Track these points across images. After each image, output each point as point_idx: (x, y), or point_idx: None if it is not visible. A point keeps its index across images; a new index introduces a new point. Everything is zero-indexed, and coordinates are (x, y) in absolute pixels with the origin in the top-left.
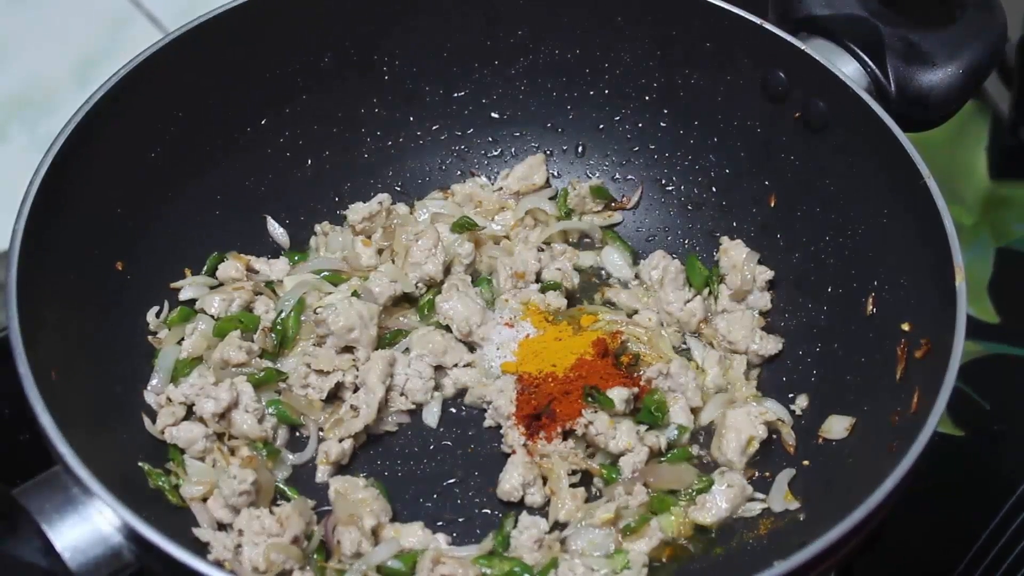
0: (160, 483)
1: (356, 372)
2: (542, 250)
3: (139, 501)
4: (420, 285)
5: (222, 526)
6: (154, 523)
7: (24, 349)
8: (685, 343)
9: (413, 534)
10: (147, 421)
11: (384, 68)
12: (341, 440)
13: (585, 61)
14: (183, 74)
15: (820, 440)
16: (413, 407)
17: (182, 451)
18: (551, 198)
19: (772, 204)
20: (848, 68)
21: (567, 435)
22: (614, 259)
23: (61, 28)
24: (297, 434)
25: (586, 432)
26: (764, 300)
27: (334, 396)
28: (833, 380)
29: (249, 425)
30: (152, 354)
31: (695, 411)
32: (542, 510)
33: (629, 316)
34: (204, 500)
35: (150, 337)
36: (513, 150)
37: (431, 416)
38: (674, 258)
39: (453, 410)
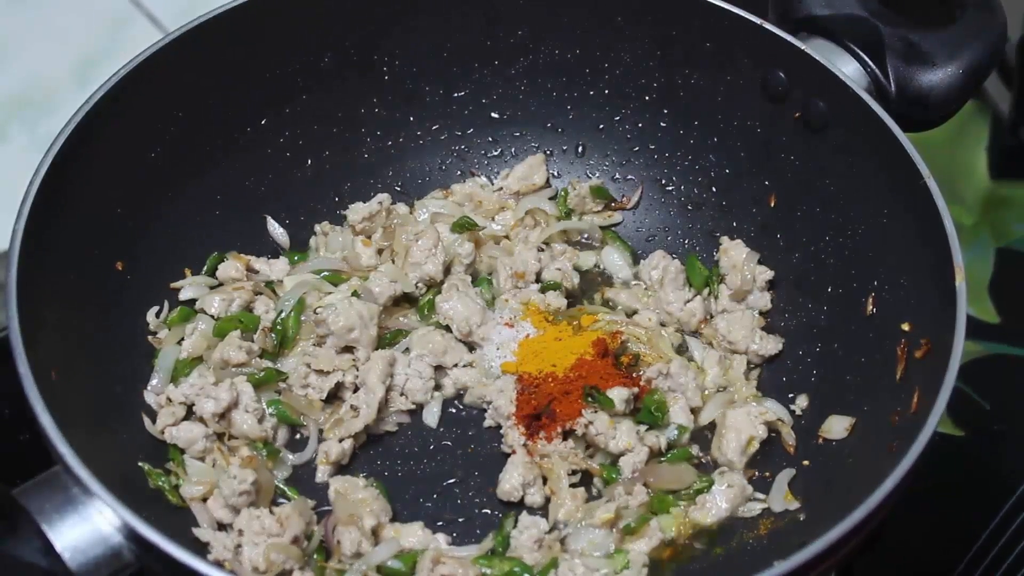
0: (160, 483)
1: (356, 372)
2: (542, 250)
3: (139, 501)
4: (420, 285)
5: (222, 526)
6: (154, 523)
7: (24, 349)
8: (685, 343)
9: (413, 534)
10: (147, 421)
11: (384, 68)
12: (341, 440)
13: (585, 61)
14: (183, 74)
15: (820, 440)
16: (413, 407)
17: (182, 451)
18: (551, 198)
19: (772, 204)
20: (848, 68)
21: (567, 435)
22: (614, 259)
23: (61, 28)
24: (297, 434)
25: (586, 432)
26: (764, 300)
27: (334, 396)
28: (833, 380)
29: (249, 425)
30: (152, 354)
31: (695, 411)
32: (542, 510)
33: (629, 316)
34: (204, 500)
35: (150, 337)
36: (513, 150)
37: (431, 416)
38: (674, 258)
39: (453, 410)
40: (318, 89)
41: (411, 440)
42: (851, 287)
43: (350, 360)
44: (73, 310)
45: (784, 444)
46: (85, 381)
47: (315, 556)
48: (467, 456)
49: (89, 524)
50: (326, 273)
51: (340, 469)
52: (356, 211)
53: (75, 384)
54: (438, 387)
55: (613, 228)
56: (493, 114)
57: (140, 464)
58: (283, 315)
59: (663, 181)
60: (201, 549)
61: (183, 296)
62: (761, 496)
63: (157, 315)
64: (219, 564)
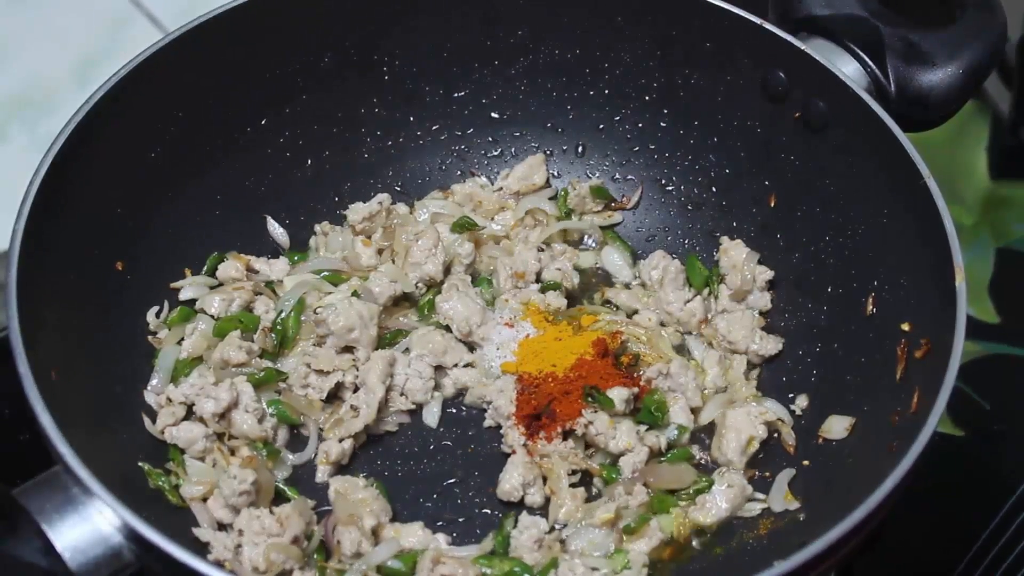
0: (160, 483)
1: (356, 372)
2: (542, 250)
3: (139, 501)
4: (420, 285)
5: (222, 526)
6: (154, 523)
7: (24, 349)
8: (685, 343)
9: (413, 534)
10: (147, 421)
11: (384, 68)
12: (341, 440)
13: (585, 61)
14: (183, 74)
15: (820, 440)
16: (413, 407)
17: (182, 451)
18: (551, 198)
19: (772, 204)
20: (848, 68)
21: (567, 435)
22: (614, 259)
23: (61, 28)
24: (297, 434)
25: (586, 432)
26: (764, 300)
27: (334, 396)
28: (833, 380)
29: (249, 425)
30: (152, 354)
31: (695, 411)
32: (542, 510)
33: (629, 316)
34: (204, 500)
35: (150, 337)
36: (513, 150)
37: (431, 416)
38: (674, 258)
39: (453, 410)
40: (318, 89)
41: (411, 440)
42: (851, 287)
43: (350, 360)
44: (73, 310)
45: (784, 444)
46: (85, 381)
47: (315, 556)
48: (467, 456)
49: (89, 524)
50: (326, 273)
51: (340, 469)
52: (356, 211)
53: (75, 384)
54: (438, 387)
55: (613, 228)
56: (493, 114)
57: (140, 464)
58: (283, 315)
59: (663, 181)
60: (201, 549)
61: (183, 296)
62: (761, 496)
63: (157, 315)
64: (219, 564)
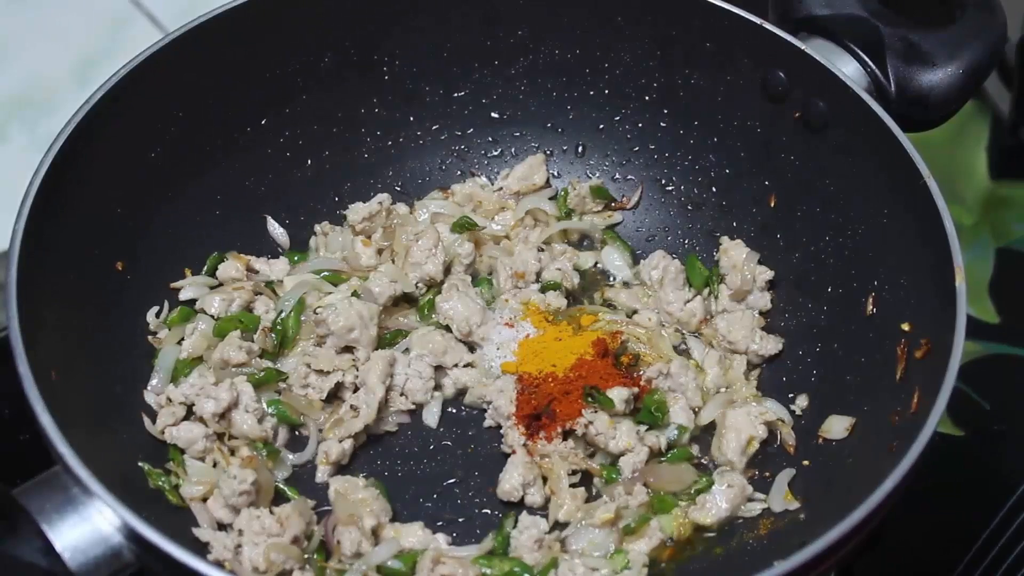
0: (160, 483)
1: (356, 372)
2: (542, 250)
3: (139, 501)
4: (420, 285)
5: (222, 526)
6: (154, 523)
7: (24, 349)
8: (685, 343)
9: (413, 534)
10: (147, 421)
11: (384, 68)
12: (341, 440)
13: (585, 61)
14: (183, 74)
15: (820, 440)
16: (413, 407)
17: (182, 451)
18: (551, 198)
19: (772, 204)
20: (848, 68)
21: (567, 435)
22: (614, 259)
23: (61, 28)
24: (297, 434)
25: (586, 432)
26: (764, 300)
27: (334, 396)
28: (833, 380)
29: (249, 425)
30: (152, 354)
31: (695, 411)
32: (542, 510)
33: (629, 316)
34: (204, 500)
35: (150, 337)
36: (513, 150)
37: (431, 416)
38: (674, 258)
39: (453, 410)
40: (318, 89)
41: (411, 440)
42: (851, 287)
43: (350, 360)
44: (73, 310)
45: (784, 444)
46: (85, 381)
47: (315, 556)
48: (467, 456)
49: (89, 524)
50: (326, 273)
51: (340, 469)
52: (356, 211)
53: (75, 384)
54: (438, 387)
55: (613, 228)
56: (493, 114)
57: (140, 464)
58: (283, 315)
59: (663, 181)
60: (201, 549)
61: (183, 296)
62: (761, 496)
63: (157, 315)
64: (219, 564)
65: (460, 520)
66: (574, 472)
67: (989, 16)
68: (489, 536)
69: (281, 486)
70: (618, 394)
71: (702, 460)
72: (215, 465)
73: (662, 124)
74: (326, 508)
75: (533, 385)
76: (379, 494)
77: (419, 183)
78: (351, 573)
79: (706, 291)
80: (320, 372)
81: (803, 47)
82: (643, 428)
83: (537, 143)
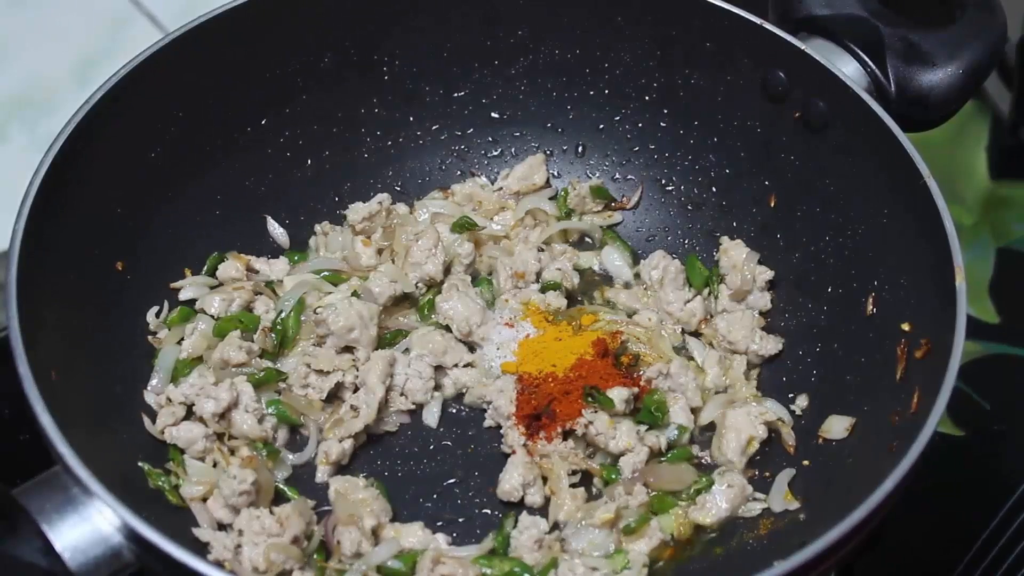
0: (160, 483)
1: (356, 372)
2: (542, 250)
3: (139, 501)
4: (420, 285)
5: (222, 526)
6: (154, 523)
7: (24, 349)
8: (685, 343)
9: (413, 534)
10: (147, 421)
11: (384, 68)
12: (341, 440)
13: (585, 61)
14: (183, 74)
15: (820, 440)
16: (413, 407)
17: (182, 451)
18: (551, 198)
19: (772, 204)
20: (848, 68)
21: (567, 435)
22: (614, 259)
23: (61, 28)
24: (297, 434)
25: (586, 432)
26: (764, 300)
27: (334, 396)
28: (833, 380)
29: (249, 425)
30: (152, 354)
31: (695, 411)
32: (542, 510)
33: (629, 316)
34: (204, 500)
35: (150, 337)
36: (513, 150)
37: (431, 416)
38: (674, 258)
39: (453, 410)
40: (318, 89)
41: (411, 440)
42: (851, 287)
43: (350, 360)
44: (73, 310)
45: (784, 444)
46: (85, 381)
47: (315, 556)
48: (467, 456)
49: (89, 524)
50: (326, 273)
51: (340, 469)
52: (356, 211)
53: (75, 384)
54: (438, 387)
55: (613, 228)
56: (493, 114)
57: (140, 464)
58: (283, 315)
59: (663, 181)
60: (201, 549)
61: (183, 296)
62: (761, 496)
63: (157, 315)
64: (219, 564)
65: (460, 520)
66: (574, 472)
67: (989, 16)
68: (489, 536)
69: (281, 486)
70: (618, 394)
71: (702, 460)
72: (215, 465)
73: (662, 124)
74: (326, 508)
75: (533, 385)
76: (379, 494)
77: (419, 183)
78: (351, 573)
79: (706, 291)
80: (320, 372)
81: (803, 47)
82: (643, 428)
83: (537, 143)
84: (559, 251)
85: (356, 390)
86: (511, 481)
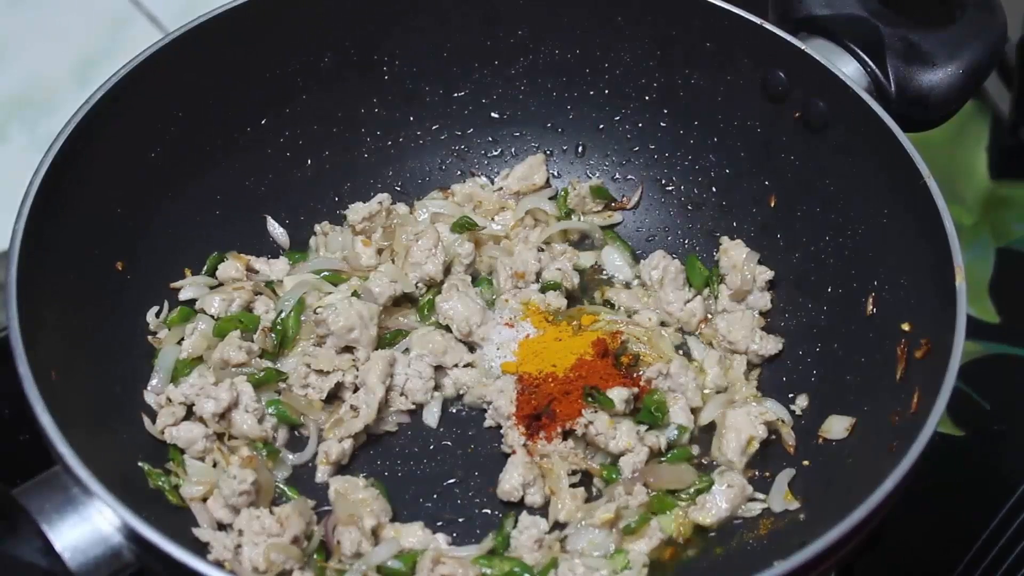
0: (160, 483)
1: (356, 372)
2: (542, 250)
3: (139, 501)
4: (420, 285)
5: (222, 526)
6: (154, 523)
7: (24, 349)
8: (685, 343)
9: (413, 534)
10: (147, 421)
11: (384, 68)
12: (341, 440)
13: (585, 61)
14: (183, 74)
15: (820, 440)
16: (413, 407)
17: (182, 451)
18: (551, 198)
19: (772, 204)
20: (848, 68)
21: (567, 435)
22: (614, 259)
23: (61, 28)
24: (297, 434)
25: (586, 432)
26: (764, 300)
27: (334, 396)
28: (833, 380)
29: (249, 425)
30: (152, 354)
31: (695, 411)
32: (542, 510)
33: (629, 316)
34: (204, 500)
35: (150, 337)
36: (513, 150)
37: (431, 416)
38: (674, 258)
39: (453, 410)
40: (318, 89)
41: (411, 440)
42: (851, 287)
43: (350, 360)
44: (73, 310)
45: (784, 444)
46: (85, 381)
47: (315, 556)
48: (467, 456)
49: (89, 524)
50: (326, 273)
51: (340, 469)
52: (356, 211)
53: (75, 384)
54: (438, 387)
55: (613, 228)
56: (493, 114)
57: (140, 464)
58: (283, 315)
59: (663, 181)
60: (201, 549)
61: (183, 296)
62: (761, 496)
63: (157, 315)
64: (219, 564)
65: (460, 520)
66: (574, 472)
67: (989, 16)
68: (489, 536)
69: (281, 486)
70: (618, 394)
71: (702, 460)
72: (215, 465)
73: (662, 124)
74: (326, 508)
75: (533, 385)
76: (379, 494)
77: (419, 183)
78: (351, 573)
79: (706, 291)
80: (320, 372)
81: (803, 47)
82: (643, 428)
83: (537, 143)
84: (559, 251)
85: (356, 390)
86: (511, 481)
